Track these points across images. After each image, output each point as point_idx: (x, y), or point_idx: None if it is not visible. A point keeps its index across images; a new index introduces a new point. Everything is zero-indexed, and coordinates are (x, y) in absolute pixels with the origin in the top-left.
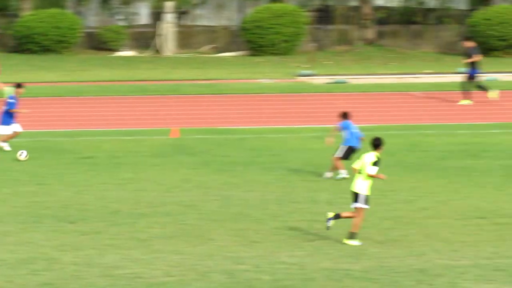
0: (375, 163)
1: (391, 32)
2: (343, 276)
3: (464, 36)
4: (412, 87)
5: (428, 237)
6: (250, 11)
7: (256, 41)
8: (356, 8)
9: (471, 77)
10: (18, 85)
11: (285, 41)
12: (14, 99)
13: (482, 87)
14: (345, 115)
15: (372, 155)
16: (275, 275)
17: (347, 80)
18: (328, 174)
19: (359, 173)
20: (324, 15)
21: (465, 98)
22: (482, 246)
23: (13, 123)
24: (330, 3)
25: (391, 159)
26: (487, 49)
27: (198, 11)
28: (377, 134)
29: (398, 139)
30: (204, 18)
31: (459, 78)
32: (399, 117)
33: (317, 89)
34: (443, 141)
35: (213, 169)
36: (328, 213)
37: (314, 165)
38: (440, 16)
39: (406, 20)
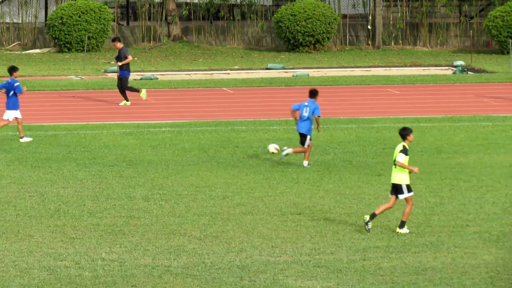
0: (402, 152)
1: (197, 28)
2: (163, 273)
3: (113, 37)
4: (221, 83)
5: (246, 233)
6: (54, 8)
7: (63, 38)
8: (160, 5)
9: (123, 78)
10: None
11: (92, 37)
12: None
13: (133, 89)
14: (311, 93)
15: (400, 145)
16: (95, 272)
17: (156, 76)
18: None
19: (395, 165)
20: (129, 12)
21: (126, 98)
22: (302, 242)
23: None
24: None
25: (204, 155)
26: (294, 45)
27: (3, 8)
28: (188, 130)
29: (210, 135)
30: (9, 15)
31: (267, 74)
32: (211, 113)
33: None
34: (257, 137)
35: (28, 165)
36: (364, 216)
37: (128, 161)
38: (245, 12)
39: (211, 16)
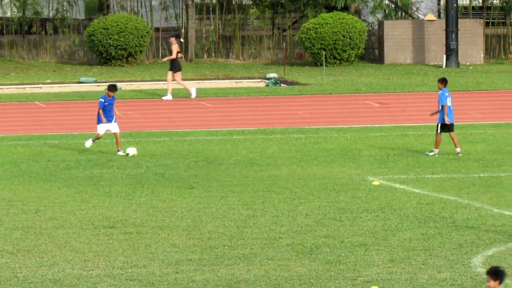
0: None
1: (9, 43)
2: None
3: None
4: (34, 97)
5: (59, 247)
6: None
7: None
8: None
9: None
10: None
11: None
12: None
13: None
14: (445, 82)
15: None
16: None
17: None
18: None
19: None
20: None
21: None
22: (114, 256)
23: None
24: None
25: (16, 170)
26: (107, 59)
27: None
28: (0, 144)
29: (23, 149)
30: None
31: (79, 87)
32: (23, 127)
33: None
34: (69, 151)
35: None
36: None
37: None
38: (58, 26)
39: (23, 30)
